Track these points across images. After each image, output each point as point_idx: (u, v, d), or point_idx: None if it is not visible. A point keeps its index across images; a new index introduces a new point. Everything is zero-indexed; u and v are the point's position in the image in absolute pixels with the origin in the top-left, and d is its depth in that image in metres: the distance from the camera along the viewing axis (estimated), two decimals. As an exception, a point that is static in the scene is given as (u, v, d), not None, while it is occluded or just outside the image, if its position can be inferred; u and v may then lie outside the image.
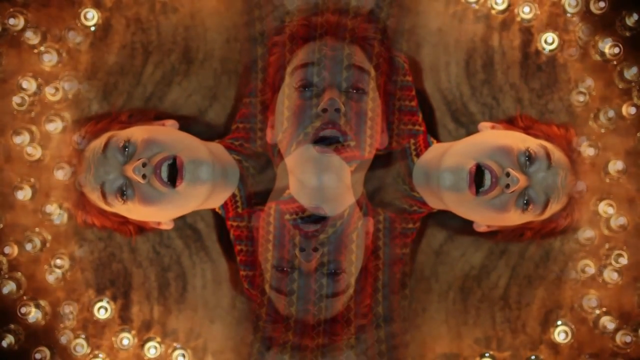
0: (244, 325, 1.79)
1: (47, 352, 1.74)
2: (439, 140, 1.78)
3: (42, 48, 1.77)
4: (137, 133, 1.60)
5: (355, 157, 1.63)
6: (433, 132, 1.79)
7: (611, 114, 1.76)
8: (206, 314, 1.81)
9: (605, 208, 1.75)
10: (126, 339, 1.77)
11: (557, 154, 1.62)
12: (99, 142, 1.61)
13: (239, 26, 1.79)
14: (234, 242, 1.75)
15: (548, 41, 1.78)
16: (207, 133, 1.77)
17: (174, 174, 1.56)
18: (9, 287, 1.73)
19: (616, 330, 1.75)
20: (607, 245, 1.78)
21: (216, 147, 1.74)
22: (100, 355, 1.78)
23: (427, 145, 1.75)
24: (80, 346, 1.76)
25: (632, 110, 1.74)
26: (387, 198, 1.78)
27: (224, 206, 1.75)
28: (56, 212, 1.76)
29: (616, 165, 1.74)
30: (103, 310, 1.78)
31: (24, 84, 1.75)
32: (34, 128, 1.76)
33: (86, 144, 1.66)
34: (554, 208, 1.62)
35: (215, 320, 1.81)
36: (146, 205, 1.57)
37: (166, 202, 1.58)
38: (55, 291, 1.78)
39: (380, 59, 1.68)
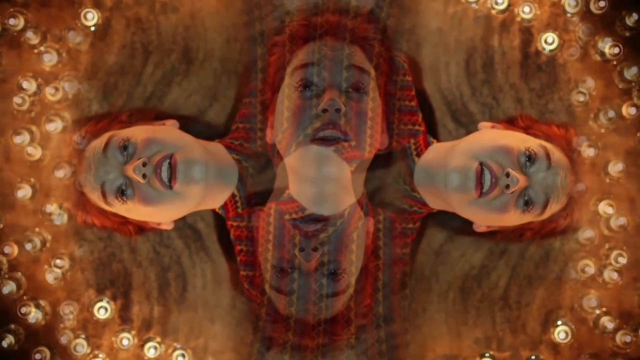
0: (244, 325, 1.79)
1: (47, 352, 1.74)
2: (439, 140, 1.78)
3: (42, 48, 1.77)
4: (137, 133, 1.60)
5: (355, 157, 1.63)
6: (433, 132, 1.79)
7: (611, 114, 1.76)
8: (206, 314, 1.81)
9: (605, 208, 1.76)
10: (126, 339, 1.77)
11: (557, 154, 1.62)
12: (100, 142, 1.61)
13: (238, 26, 1.79)
14: (234, 242, 1.75)
15: (548, 41, 1.78)
16: (207, 133, 1.77)
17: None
18: (9, 287, 1.73)
19: (616, 330, 1.75)
20: (607, 245, 1.78)
21: (216, 146, 1.74)
22: (100, 355, 1.78)
23: (427, 145, 1.75)
24: (80, 346, 1.76)
25: (632, 110, 1.74)
26: (387, 198, 1.78)
27: (224, 206, 1.75)
28: (56, 212, 1.76)
29: (616, 166, 1.74)
30: (103, 310, 1.78)
31: (24, 84, 1.75)
32: (34, 128, 1.76)
33: (86, 143, 1.66)
34: (553, 208, 1.62)
35: (216, 320, 1.81)
36: (146, 205, 1.57)
37: (165, 203, 1.58)
38: (55, 291, 1.78)
39: (380, 59, 1.68)
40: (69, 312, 1.77)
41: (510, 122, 1.73)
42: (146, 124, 1.68)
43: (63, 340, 1.77)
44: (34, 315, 1.75)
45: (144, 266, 1.81)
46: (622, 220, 1.75)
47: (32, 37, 1.75)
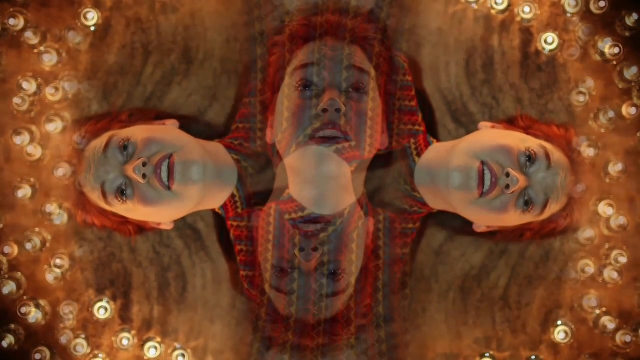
0: (243, 325, 1.79)
1: (47, 352, 1.74)
2: (439, 140, 1.78)
3: (42, 48, 1.77)
4: (137, 132, 1.60)
5: (355, 157, 1.63)
6: (433, 132, 1.79)
7: (611, 114, 1.76)
8: (206, 314, 1.81)
9: (605, 208, 1.76)
10: (126, 339, 1.77)
11: (556, 154, 1.62)
12: (100, 142, 1.61)
13: (238, 26, 1.79)
14: (233, 242, 1.75)
15: (548, 41, 1.78)
16: (207, 133, 1.77)
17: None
18: (9, 287, 1.73)
19: (616, 330, 1.75)
20: (607, 245, 1.78)
21: (215, 146, 1.74)
22: (100, 355, 1.78)
23: (428, 144, 1.75)
24: (80, 346, 1.76)
25: (632, 110, 1.74)
26: (387, 198, 1.78)
27: (224, 206, 1.75)
28: (56, 212, 1.76)
29: (616, 166, 1.74)
30: (103, 310, 1.78)
31: (24, 84, 1.75)
32: (34, 128, 1.76)
33: (86, 143, 1.66)
34: (553, 208, 1.62)
35: (215, 320, 1.81)
36: (145, 205, 1.57)
37: (164, 203, 1.58)
38: (55, 291, 1.78)
39: (381, 59, 1.68)
40: (69, 312, 1.77)
41: (511, 122, 1.73)
42: (146, 124, 1.68)
43: (63, 340, 1.77)
44: (34, 315, 1.75)
45: (144, 266, 1.81)
46: (622, 220, 1.75)
47: (32, 37, 1.75)
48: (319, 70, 1.62)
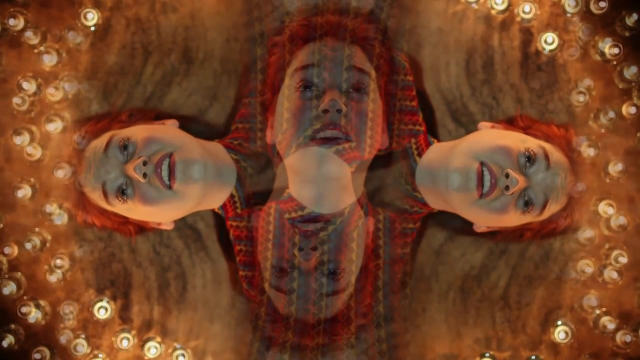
0: (243, 325, 1.79)
1: (47, 352, 1.74)
2: (439, 140, 1.78)
3: (42, 48, 1.77)
4: (137, 132, 1.61)
5: (355, 158, 1.63)
6: (433, 132, 1.79)
7: (611, 114, 1.76)
8: (206, 314, 1.81)
9: (605, 208, 1.76)
10: (126, 339, 1.77)
11: (556, 154, 1.62)
12: (100, 142, 1.61)
13: (239, 26, 1.79)
14: (233, 242, 1.75)
15: (548, 41, 1.78)
16: (206, 133, 1.77)
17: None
18: (9, 287, 1.73)
19: (616, 330, 1.75)
20: (607, 245, 1.78)
21: (215, 146, 1.74)
22: (100, 355, 1.78)
23: (428, 144, 1.75)
24: (81, 346, 1.76)
25: (632, 110, 1.74)
26: (387, 198, 1.78)
27: (223, 206, 1.75)
28: (56, 212, 1.76)
29: (616, 166, 1.74)
30: (103, 310, 1.78)
31: (24, 84, 1.75)
32: (34, 128, 1.76)
33: (86, 143, 1.66)
34: (552, 209, 1.62)
35: (215, 320, 1.81)
36: (146, 205, 1.57)
37: (165, 202, 1.58)
38: (55, 291, 1.78)
39: (381, 59, 1.68)
40: (69, 312, 1.77)
41: (510, 122, 1.73)
42: (146, 124, 1.68)
43: (63, 340, 1.77)
44: (34, 315, 1.75)
45: (144, 266, 1.81)
46: (622, 220, 1.75)
47: (32, 37, 1.75)
48: (319, 71, 1.62)
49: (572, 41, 1.79)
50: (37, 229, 1.77)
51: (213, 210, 1.78)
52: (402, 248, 1.76)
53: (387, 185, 1.79)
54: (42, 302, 1.77)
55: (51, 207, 1.76)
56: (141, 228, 1.70)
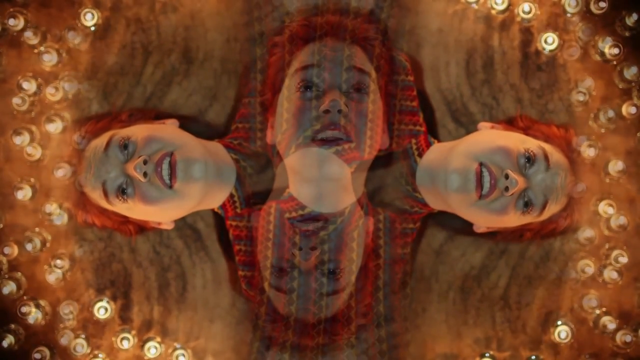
0: (243, 325, 1.79)
1: (47, 352, 1.74)
2: (439, 141, 1.78)
3: (42, 48, 1.77)
4: (138, 131, 1.61)
5: (355, 159, 1.63)
6: (433, 132, 1.79)
7: (611, 114, 1.76)
8: (206, 313, 1.81)
9: (605, 208, 1.76)
10: (126, 339, 1.77)
11: (555, 155, 1.62)
12: (101, 142, 1.61)
13: (239, 26, 1.79)
14: (232, 242, 1.75)
15: (548, 41, 1.78)
16: (207, 133, 1.77)
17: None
18: (9, 287, 1.73)
19: (616, 330, 1.75)
20: (607, 245, 1.78)
21: (215, 146, 1.74)
22: (100, 355, 1.78)
23: (429, 144, 1.75)
24: (80, 346, 1.76)
25: (632, 110, 1.74)
26: (387, 198, 1.78)
27: (223, 206, 1.75)
28: (56, 212, 1.76)
29: (616, 166, 1.74)
30: (103, 310, 1.78)
31: (24, 84, 1.75)
32: (34, 128, 1.76)
33: (86, 143, 1.66)
34: (552, 209, 1.62)
35: (215, 320, 1.81)
36: (146, 204, 1.57)
37: (165, 201, 1.58)
38: (55, 291, 1.78)
39: (382, 60, 1.68)
40: (69, 312, 1.77)
41: (510, 123, 1.73)
42: (146, 123, 1.68)
43: (63, 340, 1.77)
44: (34, 315, 1.75)
45: (144, 266, 1.81)
46: (622, 220, 1.75)
47: (32, 37, 1.75)
48: (319, 71, 1.62)
49: (572, 41, 1.79)
50: (37, 229, 1.77)
51: (213, 210, 1.78)
52: (402, 248, 1.76)
53: (387, 185, 1.79)
54: (42, 302, 1.77)
55: (51, 207, 1.76)
56: (141, 228, 1.70)
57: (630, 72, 1.74)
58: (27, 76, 1.76)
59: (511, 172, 1.55)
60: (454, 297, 1.81)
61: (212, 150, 1.71)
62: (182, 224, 1.80)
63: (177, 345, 1.80)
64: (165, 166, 1.55)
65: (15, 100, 1.75)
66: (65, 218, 1.77)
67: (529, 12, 1.77)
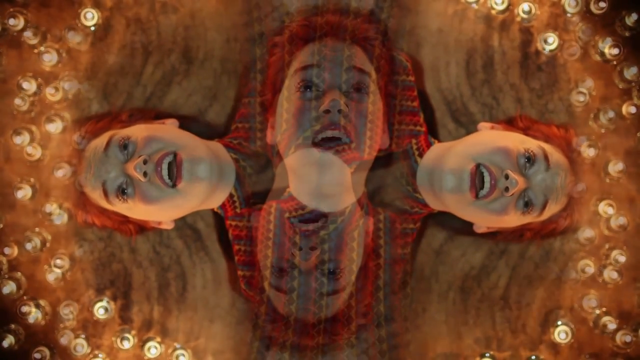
0: (243, 324, 1.79)
1: (47, 352, 1.74)
2: (439, 141, 1.78)
3: (42, 48, 1.77)
4: (138, 131, 1.61)
5: (355, 159, 1.63)
6: (433, 132, 1.79)
7: (611, 114, 1.76)
8: (206, 313, 1.81)
9: (605, 208, 1.76)
10: (126, 339, 1.77)
11: (555, 155, 1.62)
12: (101, 141, 1.61)
13: (238, 26, 1.79)
14: (232, 241, 1.75)
15: (548, 41, 1.78)
16: (206, 133, 1.77)
17: (174, 173, 1.56)
18: (9, 287, 1.73)
19: (616, 330, 1.75)
20: (607, 245, 1.78)
21: (215, 145, 1.74)
22: (100, 355, 1.78)
23: (429, 145, 1.75)
24: (80, 346, 1.76)
25: (632, 110, 1.74)
26: (387, 198, 1.78)
27: (222, 206, 1.75)
28: (56, 212, 1.76)
29: (616, 166, 1.74)
30: (103, 310, 1.78)
31: (24, 84, 1.75)
32: (34, 128, 1.76)
33: (86, 143, 1.66)
34: (552, 209, 1.62)
35: (215, 320, 1.81)
36: (146, 204, 1.57)
37: (166, 201, 1.58)
38: (55, 291, 1.78)
39: (382, 60, 1.68)
40: (69, 312, 1.77)
41: (510, 123, 1.73)
42: (146, 123, 1.68)
43: (63, 340, 1.77)
44: (34, 315, 1.75)
45: (144, 266, 1.81)
46: (622, 220, 1.75)
47: (32, 37, 1.75)
48: (319, 71, 1.62)
49: (572, 41, 1.79)
50: (37, 229, 1.77)
51: (212, 210, 1.78)
52: (403, 248, 1.76)
53: (387, 186, 1.79)
54: (42, 302, 1.77)
55: (51, 207, 1.76)
56: (141, 227, 1.70)
57: (630, 72, 1.74)
58: (27, 76, 1.76)
59: (511, 172, 1.55)
60: (454, 297, 1.81)
61: (214, 149, 1.71)
62: (182, 224, 1.80)
63: (177, 345, 1.80)
64: (164, 166, 1.55)
65: (16, 101, 1.75)
66: (65, 218, 1.77)
67: (529, 12, 1.77)
